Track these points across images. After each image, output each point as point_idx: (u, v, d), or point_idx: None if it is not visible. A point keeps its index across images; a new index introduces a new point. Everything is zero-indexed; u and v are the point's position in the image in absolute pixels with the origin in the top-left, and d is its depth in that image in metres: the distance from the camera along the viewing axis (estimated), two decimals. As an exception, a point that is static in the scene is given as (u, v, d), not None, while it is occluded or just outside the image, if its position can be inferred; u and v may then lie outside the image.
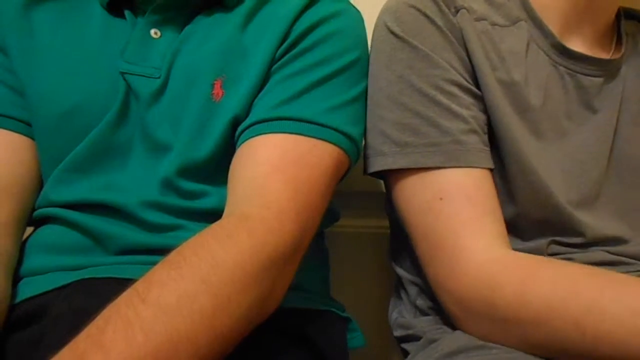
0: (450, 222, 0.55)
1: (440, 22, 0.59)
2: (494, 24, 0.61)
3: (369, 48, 0.64)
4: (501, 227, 0.56)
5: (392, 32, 0.60)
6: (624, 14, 0.69)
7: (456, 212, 0.55)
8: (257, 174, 0.53)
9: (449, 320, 0.58)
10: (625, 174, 0.63)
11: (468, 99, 0.58)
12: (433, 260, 0.56)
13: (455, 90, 0.58)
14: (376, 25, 0.64)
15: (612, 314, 0.46)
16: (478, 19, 0.60)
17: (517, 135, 0.58)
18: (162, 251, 0.47)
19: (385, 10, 0.63)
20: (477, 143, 0.58)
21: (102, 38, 0.60)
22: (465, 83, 0.59)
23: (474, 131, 0.58)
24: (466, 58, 0.59)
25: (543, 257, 0.55)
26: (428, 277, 0.58)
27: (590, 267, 0.52)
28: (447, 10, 0.60)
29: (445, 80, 0.58)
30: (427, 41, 0.59)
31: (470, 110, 0.58)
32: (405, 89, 0.58)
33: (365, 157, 0.63)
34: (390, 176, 0.61)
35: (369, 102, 0.63)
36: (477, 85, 0.59)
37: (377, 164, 0.60)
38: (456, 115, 0.57)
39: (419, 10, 0.59)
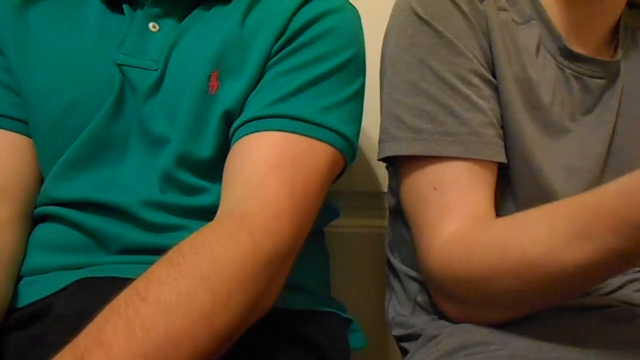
0: (437, 210, 0.56)
1: (466, 8, 0.58)
2: (512, 19, 0.61)
3: (387, 28, 0.63)
4: (482, 210, 0.56)
5: (416, 14, 0.58)
6: (628, 4, 0.67)
7: (442, 201, 0.56)
8: (254, 173, 0.53)
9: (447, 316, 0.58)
10: (625, 171, 0.63)
11: (488, 91, 0.58)
12: (418, 246, 0.58)
13: (476, 80, 0.57)
14: (397, 5, 0.62)
15: (536, 255, 0.47)
16: (501, 9, 0.60)
17: (526, 132, 0.58)
18: (163, 251, 0.47)
19: None
20: (494, 136, 0.57)
21: (99, 33, 0.60)
22: (486, 74, 0.58)
23: (491, 124, 0.57)
24: (487, 48, 0.58)
25: (482, 222, 0.55)
26: (418, 264, 0.60)
27: (513, 215, 0.53)
28: None
29: (467, 69, 0.57)
30: (452, 27, 0.57)
31: (489, 103, 0.57)
32: (426, 75, 0.57)
33: (379, 142, 0.62)
34: (399, 162, 0.61)
35: (385, 83, 0.62)
36: (494, 77, 0.59)
37: (390, 149, 0.59)
38: (476, 107, 0.57)
39: None
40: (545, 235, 0.47)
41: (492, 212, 0.57)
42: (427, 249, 0.56)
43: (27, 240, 0.59)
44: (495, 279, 0.50)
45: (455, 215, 0.55)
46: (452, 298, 0.56)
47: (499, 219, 0.55)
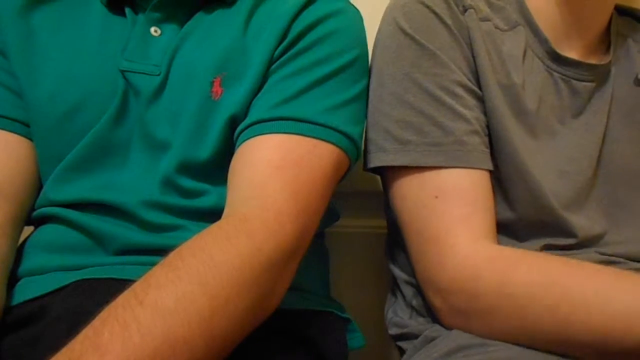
0: (442, 219, 0.56)
1: (448, 21, 0.59)
2: (496, 27, 0.61)
3: (375, 41, 0.64)
4: (490, 225, 0.57)
5: (401, 29, 0.60)
6: (618, 11, 0.69)
7: (448, 210, 0.56)
8: (257, 175, 0.52)
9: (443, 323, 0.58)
10: (613, 173, 0.64)
11: (472, 100, 0.59)
12: (423, 256, 0.58)
13: (460, 91, 0.58)
14: (384, 20, 0.64)
15: (581, 298, 0.49)
16: (483, 20, 0.61)
17: (514, 137, 0.59)
18: (162, 251, 0.47)
19: (394, 6, 0.62)
20: (479, 144, 0.58)
21: (102, 37, 0.60)
22: (469, 84, 0.59)
23: (476, 132, 0.58)
24: (471, 58, 0.59)
25: (522, 250, 0.57)
26: (417, 273, 0.59)
27: (564, 258, 0.54)
28: (455, 9, 0.60)
29: (450, 80, 0.58)
30: (435, 40, 0.59)
31: (473, 112, 0.58)
32: (411, 88, 0.58)
33: (366, 152, 0.63)
34: (389, 173, 0.62)
35: (371, 95, 0.63)
36: (479, 86, 0.59)
37: (378, 160, 0.61)
38: (460, 116, 0.57)
39: (428, 7, 0.59)
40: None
41: (494, 224, 0.58)
42: (441, 260, 0.55)
43: (17, 244, 0.59)
44: (529, 305, 0.50)
45: (465, 227, 0.55)
46: (457, 309, 0.55)
47: (538, 253, 0.56)
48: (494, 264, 0.53)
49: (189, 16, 0.61)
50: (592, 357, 0.50)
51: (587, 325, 0.48)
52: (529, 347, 0.52)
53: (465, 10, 0.60)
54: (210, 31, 0.60)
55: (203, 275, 0.43)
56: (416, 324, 0.63)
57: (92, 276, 0.53)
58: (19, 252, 0.59)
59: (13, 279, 0.57)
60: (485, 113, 0.59)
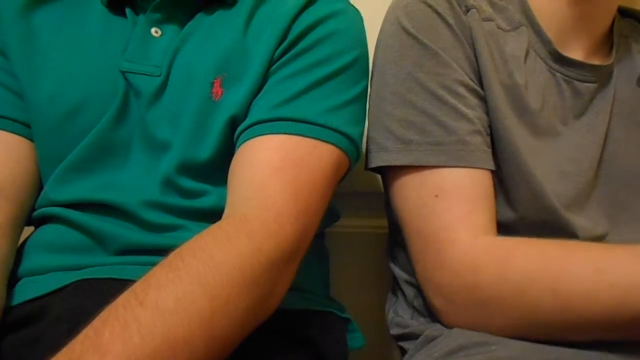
0: (442, 217, 0.56)
1: (451, 21, 0.59)
2: (498, 27, 0.62)
3: (377, 40, 0.64)
4: (491, 223, 0.57)
5: (403, 28, 0.60)
6: (620, 12, 0.69)
7: (448, 208, 0.56)
8: (257, 175, 0.53)
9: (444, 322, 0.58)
10: (615, 174, 0.64)
11: (474, 100, 0.59)
12: (423, 254, 0.58)
13: (462, 90, 0.58)
14: (386, 20, 0.64)
15: (579, 273, 0.49)
16: (486, 20, 0.61)
17: (516, 137, 0.59)
18: (162, 251, 0.47)
19: (396, 5, 0.63)
20: (481, 144, 0.58)
21: (102, 37, 0.60)
22: (471, 84, 0.59)
23: (478, 132, 0.58)
24: (473, 58, 0.60)
25: (519, 238, 0.56)
26: (417, 274, 0.59)
27: (561, 240, 0.54)
28: (458, 9, 0.60)
29: (453, 80, 0.58)
30: (438, 39, 0.59)
31: (475, 111, 0.58)
32: (413, 87, 0.59)
33: (367, 152, 0.63)
34: (390, 172, 0.62)
35: (374, 95, 0.63)
36: (482, 86, 0.60)
37: (380, 160, 0.61)
38: (462, 116, 0.57)
39: (430, 7, 0.59)
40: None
41: (494, 222, 0.58)
42: (441, 257, 0.55)
43: (17, 244, 0.59)
44: (529, 287, 0.50)
45: (465, 225, 0.55)
46: (459, 306, 0.55)
47: (534, 239, 0.56)
48: (492, 255, 0.53)
49: (189, 17, 0.61)
50: (592, 337, 0.50)
51: (587, 301, 0.48)
52: (530, 338, 0.52)
53: (468, 10, 0.60)
54: (211, 32, 0.60)
55: (203, 276, 0.43)
56: (417, 324, 0.63)
57: (93, 276, 0.53)
58: (19, 252, 0.59)
59: (13, 279, 0.57)
60: (487, 113, 0.59)
